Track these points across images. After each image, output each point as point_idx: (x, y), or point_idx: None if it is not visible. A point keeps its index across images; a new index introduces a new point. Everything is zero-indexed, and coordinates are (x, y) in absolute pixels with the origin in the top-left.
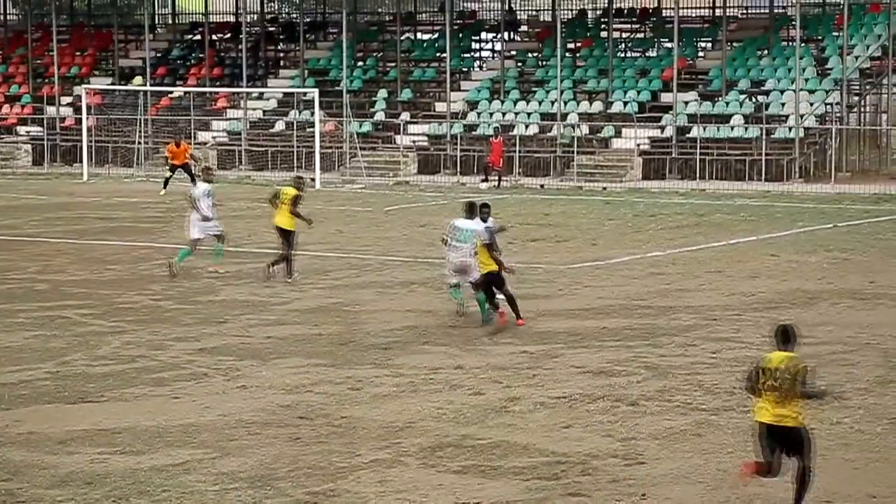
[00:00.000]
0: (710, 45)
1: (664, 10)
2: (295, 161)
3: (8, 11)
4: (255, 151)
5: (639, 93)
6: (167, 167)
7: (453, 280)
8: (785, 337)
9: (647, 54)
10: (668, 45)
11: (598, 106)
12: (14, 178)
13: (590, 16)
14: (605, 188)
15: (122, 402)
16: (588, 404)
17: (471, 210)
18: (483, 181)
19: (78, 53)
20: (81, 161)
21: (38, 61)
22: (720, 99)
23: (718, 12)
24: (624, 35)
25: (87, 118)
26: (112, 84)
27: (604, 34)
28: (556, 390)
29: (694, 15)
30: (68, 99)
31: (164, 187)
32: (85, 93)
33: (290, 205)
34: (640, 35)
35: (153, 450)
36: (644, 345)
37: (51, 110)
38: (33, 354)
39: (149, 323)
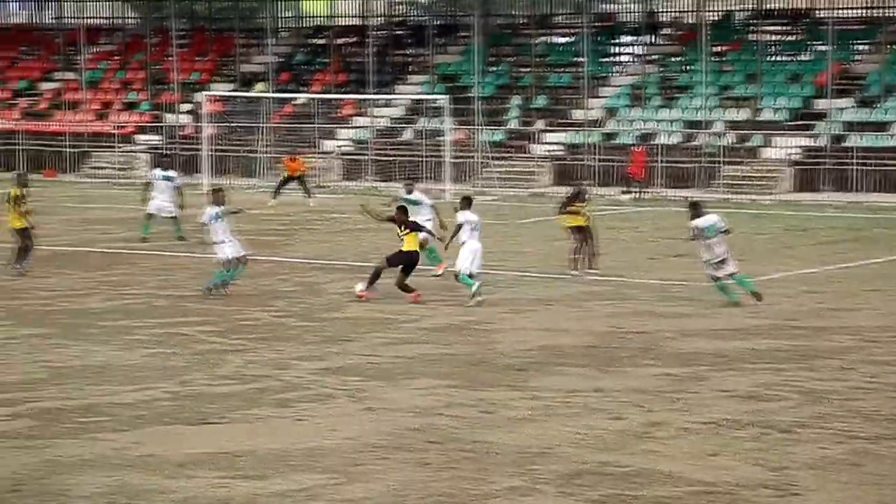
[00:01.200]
0: (867, 47)
1: (818, 11)
2: (424, 171)
3: (126, 15)
4: (381, 161)
5: (790, 99)
6: (281, 177)
7: (717, 273)
8: None
9: (798, 58)
10: (822, 48)
11: (745, 113)
12: (132, 188)
13: (737, 17)
14: (753, 201)
15: (244, 424)
16: (736, 431)
17: (696, 207)
18: (624, 192)
19: (198, 59)
20: (201, 171)
21: (157, 67)
22: (879, 105)
23: (877, 13)
24: (774, 38)
25: (208, 126)
26: (233, 91)
27: (752, 37)
28: (702, 415)
29: (850, 16)
30: (188, 106)
31: (274, 198)
32: (205, 100)
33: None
34: (792, 38)
35: (276, 474)
36: (796, 368)
37: (170, 118)
38: (152, 373)
39: (271, 341)
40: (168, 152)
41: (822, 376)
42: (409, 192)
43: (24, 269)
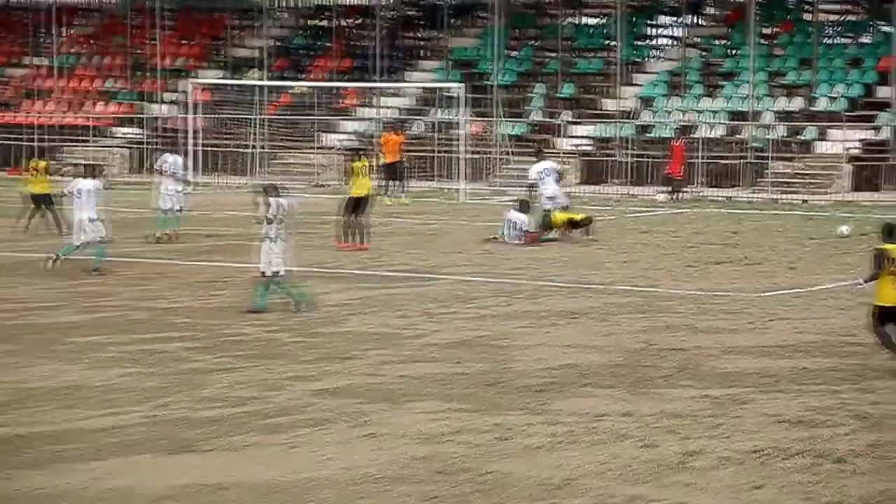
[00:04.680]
0: None
1: None
2: (436, 168)
3: None
4: None
5: (849, 87)
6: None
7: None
8: (887, 230)
9: (859, 40)
10: (886, 28)
11: (798, 103)
12: (109, 189)
13: None
14: (805, 201)
15: (230, 453)
16: (784, 461)
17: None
18: (660, 192)
19: (184, 42)
20: (187, 169)
21: (139, 52)
22: None
23: None
24: (831, 18)
25: (195, 118)
26: (223, 78)
27: (807, 16)
28: (745, 443)
29: None
30: (173, 96)
31: (387, 193)
32: (192, 88)
33: None
34: (852, 17)
35: None
36: (853, 389)
37: (152, 109)
38: (127, 395)
39: (262, 359)
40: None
41: (882, 399)
42: None
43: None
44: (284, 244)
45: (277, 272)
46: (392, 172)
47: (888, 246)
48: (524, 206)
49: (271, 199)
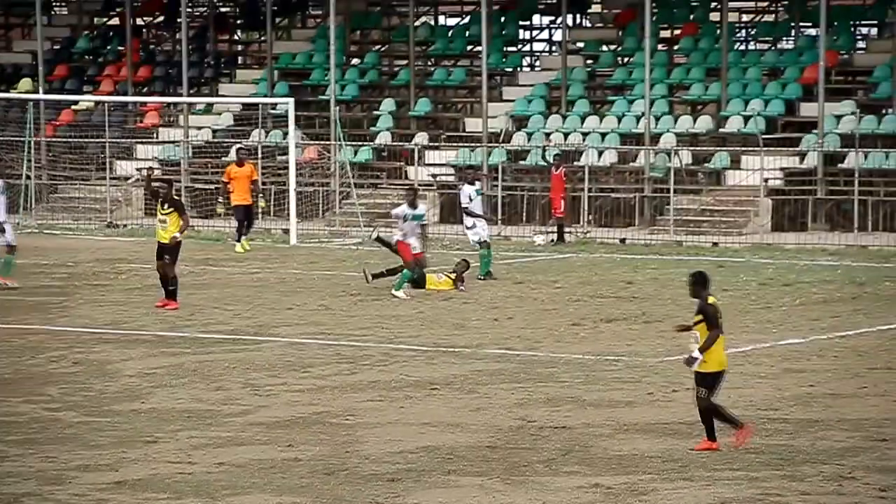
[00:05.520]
0: (874, 31)
1: None
2: (260, 203)
3: None
4: (200, 190)
5: (767, 103)
6: (222, 201)
7: None
8: (706, 280)
9: (779, 46)
10: (812, 31)
11: (705, 123)
12: None
13: None
14: (716, 244)
15: None
16: None
17: None
18: (538, 233)
19: None
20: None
21: None
22: (890, 111)
23: None
24: (745, 17)
25: None
26: None
27: (714, 16)
28: None
29: None
30: None
31: (239, 239)
32: None
33: None
34: (770, 17)
35: None
36: (777, 476)
37: None
38: None
39: (41, 444)
40: None
41: (813, 488)
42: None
43: None
44: None
45: None
46: (246, 215)
47: (713, 298)
48: (413, 199)
49: None
